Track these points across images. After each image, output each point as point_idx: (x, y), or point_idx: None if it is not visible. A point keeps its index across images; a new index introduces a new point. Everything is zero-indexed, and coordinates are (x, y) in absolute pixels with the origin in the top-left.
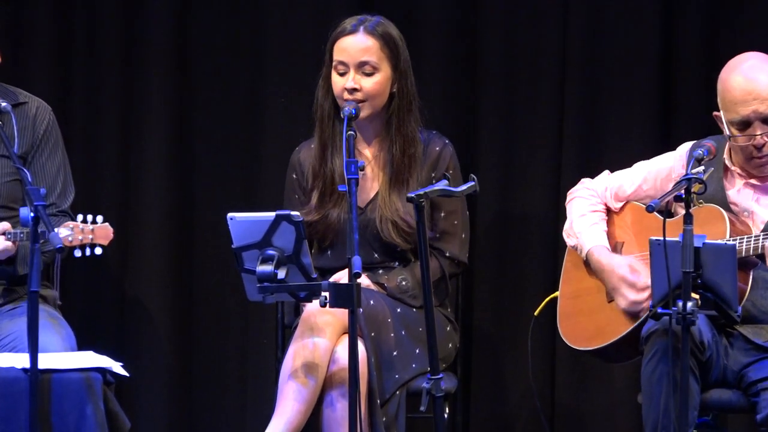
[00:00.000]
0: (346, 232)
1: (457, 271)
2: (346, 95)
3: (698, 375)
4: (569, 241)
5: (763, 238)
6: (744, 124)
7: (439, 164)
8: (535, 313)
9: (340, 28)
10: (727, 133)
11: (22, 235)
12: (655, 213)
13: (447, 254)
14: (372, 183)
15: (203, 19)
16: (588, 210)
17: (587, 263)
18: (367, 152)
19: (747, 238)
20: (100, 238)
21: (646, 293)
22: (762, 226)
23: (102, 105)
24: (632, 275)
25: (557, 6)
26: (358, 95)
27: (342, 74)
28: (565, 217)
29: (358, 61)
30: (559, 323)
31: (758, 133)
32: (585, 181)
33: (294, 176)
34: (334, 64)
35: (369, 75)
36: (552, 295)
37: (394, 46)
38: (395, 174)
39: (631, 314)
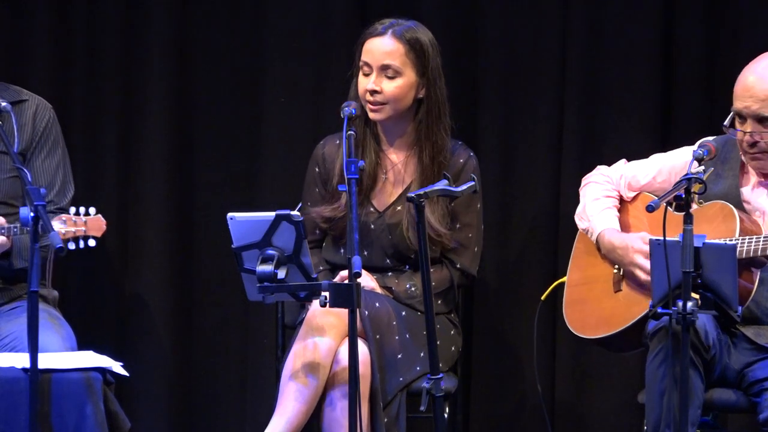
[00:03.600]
0: (364, 231)
1: (465, 283)
2: (368, 96)
3: (703, 374)
4: (581, 224)
5: (757, 241)
6: (741, 118)
7: (462, 176)
8: (542, 298)
9: (371, 28)
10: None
11: (16, 230)
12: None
13: (458, 266)
14: (394, 188)
15: (203, 19)
16: (602, 195)
17: (598, 247)
18: (393, 156)
19: (756, 238)
20: (93, 230)
21: None
22: None
23: (102, 105)
24: (647, 246)
25: (557, 6)
26: (379, 97)
27: (366, 75)
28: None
29: (381, 64)
30: (564, 310)
31: (748, 130)
32: (601, 168)
33: (317, 170)
34: (360, 64)
35: (391, 78)
36: (559, 281)
37: (422, 52)
38: (424, 181)
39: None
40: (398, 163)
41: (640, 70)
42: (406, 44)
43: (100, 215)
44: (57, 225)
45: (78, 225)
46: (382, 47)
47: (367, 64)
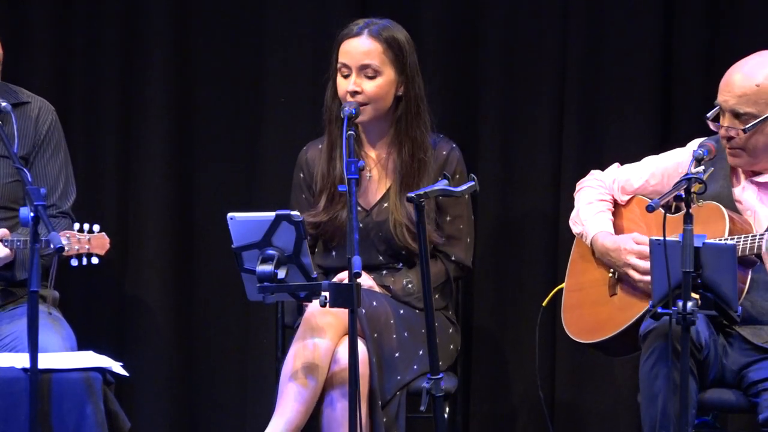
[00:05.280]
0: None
1: (461, 275)
2: (348, 98)
3: (696, 374)
4: (575, 228)
5: (759, 238)
6: (723, 112)
7: (446, 168)
8: (543, 304)
9: (346, 30)
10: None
11: (19, 243)
12: (659, 209)
13: (453, 258)
14: (378, 186)
15: (203, 19)
16: (595, 199)
17: (593, 251)
18: (373, 155)
19: (745, 237)
20: (96, 248)
21: None
22: (765, 225)
23: (102, 104)
24: (639, 246)
25: (557, 6)
26: (360, 98)
27: (345, 76)
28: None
29: (360, 64)
30: (562, 315)
31: (725, 124)
32: (594, 173)
33: (301, 176)
34: (338, 66)
35: (371, 78)
36: (559, 287)
37: (399, 50)
38: (404, 178)
39: (646, 289)
40: (380, 161)
41: (640, 70)
42: (384, 43)
43: (104, 233)
44: (62, 241)
45: (82, 243)
46: (360, 47)
47: (345, 65)
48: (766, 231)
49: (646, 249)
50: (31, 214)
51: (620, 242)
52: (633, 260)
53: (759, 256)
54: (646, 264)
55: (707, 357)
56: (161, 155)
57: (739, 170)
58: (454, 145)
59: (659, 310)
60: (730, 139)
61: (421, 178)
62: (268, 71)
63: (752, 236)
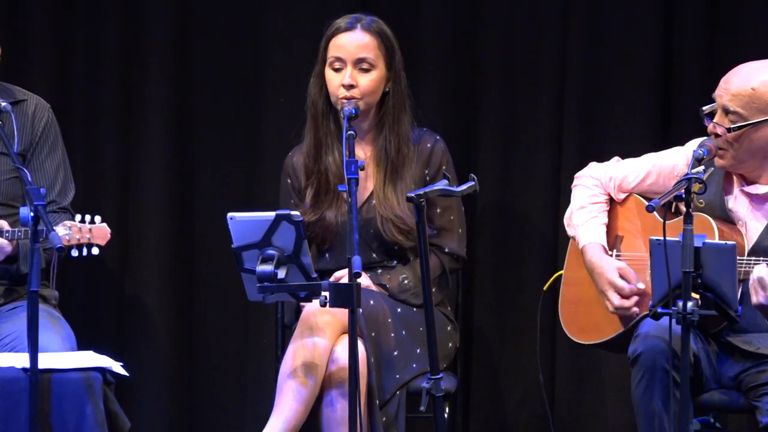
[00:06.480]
0: (344, 233)
1: (456, 266)
2: (342, 92)
3: (689, 390)
4: (568, 230)
5: (746, 264)
6: (716, 108)
7: (431, 160)
8: (544, 288)
9: (336, 26)
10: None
11: (20, 234)
12: (654, 213)
13: (446, 250)
14: (366, 183)
15: (203, 19)
16: (588, 201)
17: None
18: (360, 152)
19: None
20: (97, 239)
21: (633, 300)
22: (754, 238)
23: (102, 104)
24: (620, 281)
25: (557, 6)
26: (354, 92)
27: (337, 70)
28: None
29: (356, 57)
30: (560, 308)
31: (715, 120)
32: (592, 166)
33: (288, 181)
34: (329, 60)
35: (365, 72)
36: (559, 273)
37: (390, 44)
38: (390, 173)
39: (619, 317)
40: (366, 158)
41: (640, 70)
42: (378, 37)
43: (105, 224)
44: (61, 231)
45: (83, 232)
46: (355, 41)
47: (339, 59)
48: (754, 261)
49: (625, 287)
50: (31, 214)
51: (605, 268)
52: (609, 293)
53: (746, 281)
54: (621, 302)
55: (700, 368)
56: (161, 155)
57: (733, 179)
58: (437, 137)
59: (659, 310)
60: (716, 136)
61: (405, 173)
62: (268, 71)
63: (739, 259)
